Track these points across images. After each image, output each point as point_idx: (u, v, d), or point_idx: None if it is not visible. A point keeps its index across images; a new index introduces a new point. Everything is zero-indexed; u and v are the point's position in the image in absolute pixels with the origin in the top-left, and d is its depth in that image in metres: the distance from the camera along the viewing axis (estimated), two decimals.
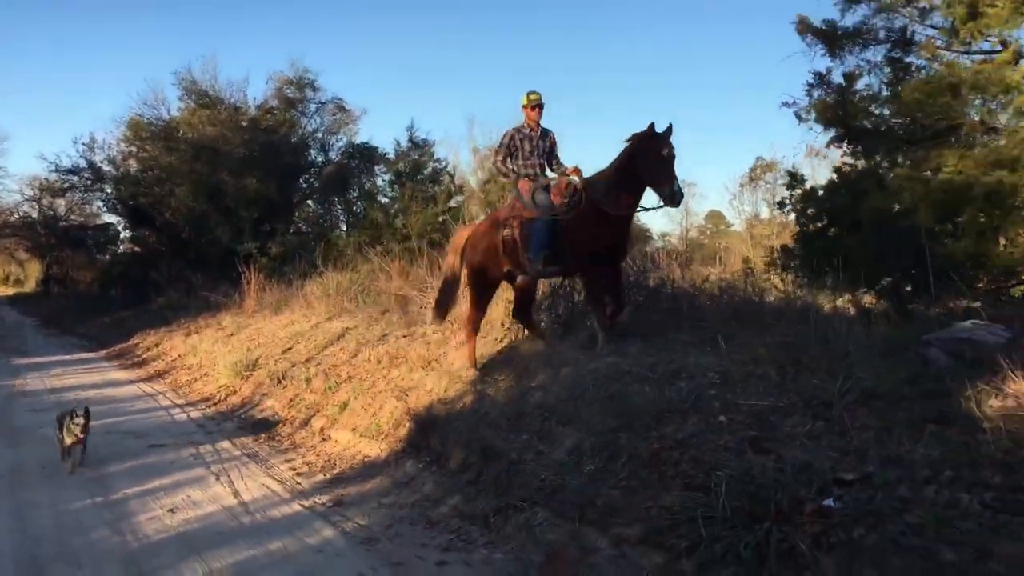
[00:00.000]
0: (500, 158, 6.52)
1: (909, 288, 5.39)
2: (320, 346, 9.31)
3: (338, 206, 18.89)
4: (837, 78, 6.60)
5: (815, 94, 6.19)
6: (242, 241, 17.97)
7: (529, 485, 4.45)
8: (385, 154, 18.01)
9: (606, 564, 3.57)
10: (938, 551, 2.74)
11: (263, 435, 7.08)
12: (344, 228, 17.88)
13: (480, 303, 6.70)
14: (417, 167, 17.00)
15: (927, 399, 3.59)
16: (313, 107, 20.05)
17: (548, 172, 6.49)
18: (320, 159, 19.80)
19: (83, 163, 21.59)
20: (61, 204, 27.94)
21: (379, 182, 18.24)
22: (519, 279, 6.52)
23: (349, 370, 7.81)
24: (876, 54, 6.36)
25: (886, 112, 6.07)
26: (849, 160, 6.43)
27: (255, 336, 11.31)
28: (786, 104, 6.40)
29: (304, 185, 19.99)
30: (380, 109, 43.43)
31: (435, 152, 17.15)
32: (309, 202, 20.16)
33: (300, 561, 4.05)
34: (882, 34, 6.29)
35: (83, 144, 21.59)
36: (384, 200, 17.24)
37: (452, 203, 16.85)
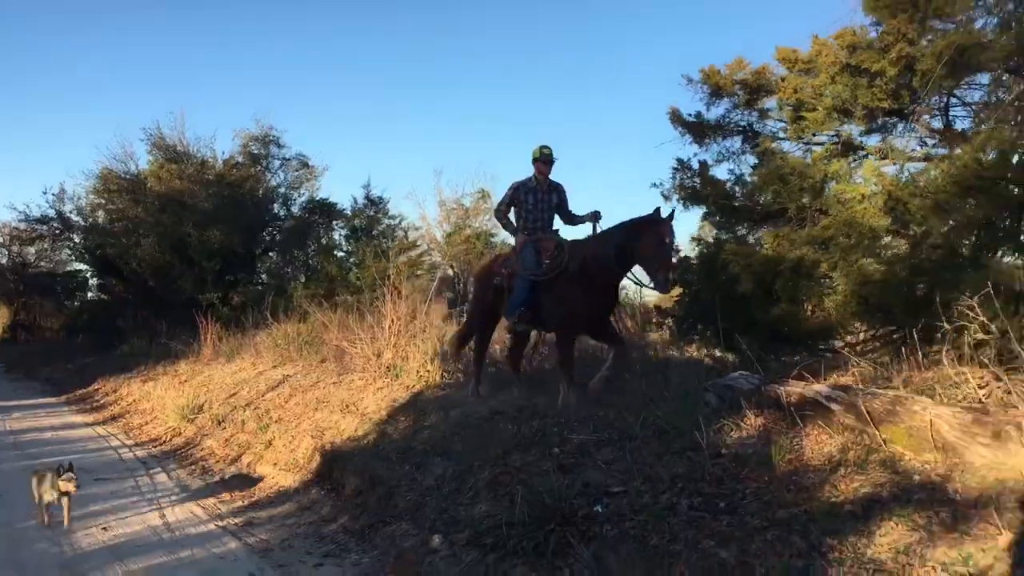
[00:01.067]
0: (503, 210, 6.80)
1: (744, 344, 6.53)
2: (261, 392, 10.30)
3: (298, 259, 19.95)
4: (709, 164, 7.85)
5: (678, 177, 7.42)
6: (205, 291, 18.89)
7: (400, 505, 5.49)
8: (343, 210, 19.16)
9: (441, 562, 4.61)
10: (649, 538, 3.82)
11: (197, 470, 8.05)
12: (302, 280, 18.90)
13: (479, 341, 7.21)
14: (372, 223, 18.16)
15: (693, 431, 4.70)
16: (277, 163, 21.22)
17: (557, 225, 6.81)
18: (283, 213, 20.89)
19: (52, 213, 22.59)
20: (31, 251, 28.80)
21: (336, 237, 19.34)
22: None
23: (280, 413, 8.83)
24: (734, 144, 7.62)
25: (738, 194, 7.30)
26: (711, 235, 7.64)
27: (206, 383, 12.27)
28: (654, 185, 7.63)
29: (267, 238, 21.04)
30: (344, 162, 44.77)
31: (389, 209, 18.31)
32: (271, 254, 21.18)
33: (204, 565, 5.06)
34: (737, 127, 7.55)
35: (53, 194, 22.62)
36: (340, 254, 18.33)
37: (403, 258, 17.94)
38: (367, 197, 18.33)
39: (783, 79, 6.81)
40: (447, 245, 29.09)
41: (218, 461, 8.30)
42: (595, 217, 6.55)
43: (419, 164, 48.51)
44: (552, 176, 6.87)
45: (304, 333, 12.99)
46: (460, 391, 7.44)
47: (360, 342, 9.48)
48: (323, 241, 19.13)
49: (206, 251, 19.38)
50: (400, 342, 9.16)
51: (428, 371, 8.25)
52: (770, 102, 7.24)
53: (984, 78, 6.25)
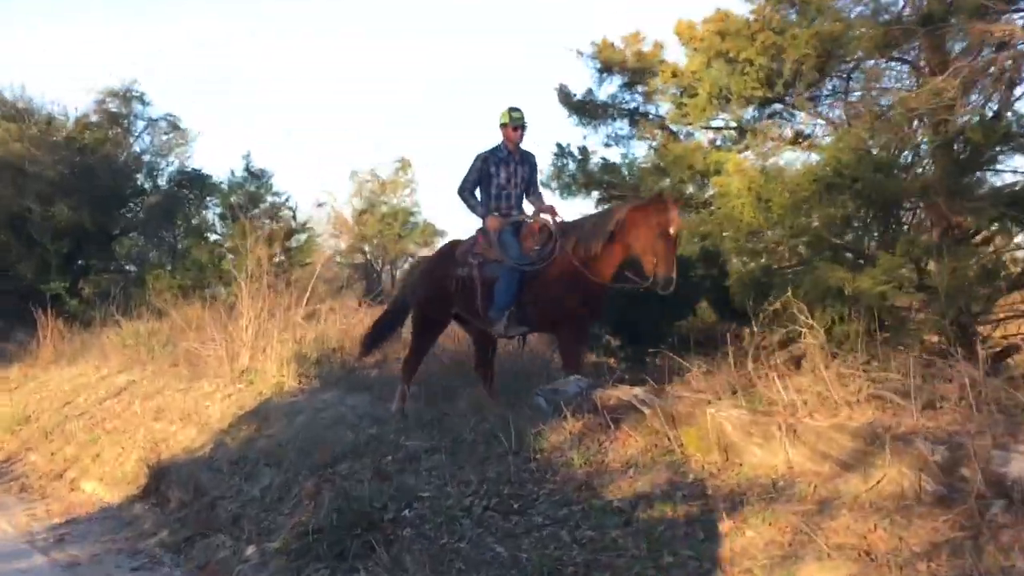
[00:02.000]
0: (468, 187, 6.94)
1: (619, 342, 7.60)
2: (100, 399, 11.12)
3: (164, 242, 20.58)
4: (594, 147, 8.91)
5: (559, 163, 8.45)
6: (48, 279, 19.31)
7: (221, 517, 6.44)
8: (221, 183, 19.83)
9: (250, 569, 5.57)
10: (441, 538, 4.84)
11: (14, 486, 8.89)
12: (169, 268, 19.51)
13: (418, 346, 7.47)
14: (254, 200, 18.92)
15: (517, 437, 5.72)
16: (142, 124, 21.80)
17: (526, 205, 7.07)
18: (147, 186, 21.47)
19: None
20: None
21: (210, 216, 20.03)
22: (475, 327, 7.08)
23: (116, 423, 9.68)
24: (624, 127, 8.68)
25: (621, 180, 8.36)
26: None
27: (39, 389, 13.01)
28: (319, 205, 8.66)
29: (128, 215, 21.59)
30: (228, 131, 45.33)
31: (273, 184, 19.05)
32: (133, 235, 21.75)
33: None
34: (624, 109, 8.61)
35: None
36: (214, 237, 19.05)
37: (292, 242, 18.73)
38: (247, 170, 19.04)
39: (661, 62, 7.85)
40: (358, 226, 29.89)
41: (40, 477, 9.13)
42: (552, 212, 6.90)
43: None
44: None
45: (159, 332, 13.79)
46: (312, 396, 8.39)
47: (213, 343, 10.35)
48: (193, 221, 19.80)
49: (51, 230, 19.79)
50: (259, 343, 10.07)
51: (284, 376, 9.17)
52: (664, 84, 8.28)
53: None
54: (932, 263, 6.23)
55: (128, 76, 22.34)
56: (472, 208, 7.02)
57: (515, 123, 6.86)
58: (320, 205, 26.67)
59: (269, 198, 19.28)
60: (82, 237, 20.46)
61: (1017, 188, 6.16)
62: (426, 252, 29.65)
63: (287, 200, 19.33)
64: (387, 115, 50.39)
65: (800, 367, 5.51)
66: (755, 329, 5.54)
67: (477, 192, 6.99)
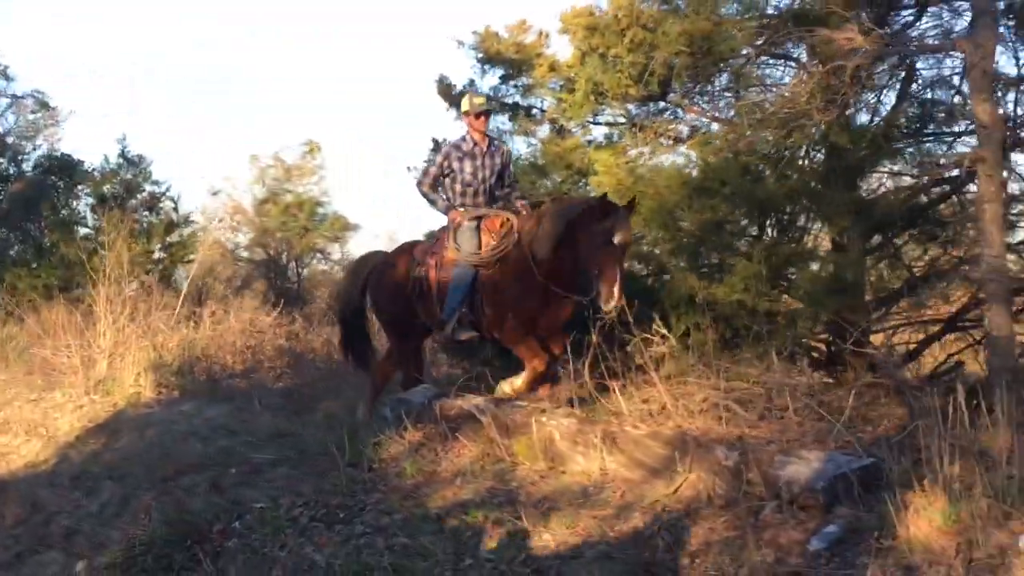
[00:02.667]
0: (428, 182, 7.21)
1: None
2: None
3: (29, 235, 20.86)
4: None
5: (433, 159, 9.15)
6: None
7: (55, 533, 7.07)
8: (93, 170, 20.18)
9: None
10: (264, 547, 5.54)
11: None
12: (34, 266, 19.81)
13: (394, 353, 7.79)
14: (130, 190, 19.36)
15: (360, 448, 6.43)
16: (5, 102, 22.08)
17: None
18: (11, 171, 21.74)
19: None
20: None
21: (81, 207, 20.38)
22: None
23: None
24: (504, 123, 9.43)
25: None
26: None
27: None
28: (408, 168, 9.38)
29: None
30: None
31: (152, 172, 19.47)
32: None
33: None
34: (508, 103, 9.36)
35: None
36: (85, 231, 19.44)
37: (175, 237, 19.22)
38: (123, 155, 19.45)
39: (539, 55, 8.62)
40: (259, 217, 30.19)
41: None
42: (525, 207, 7.05)
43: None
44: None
45: (16, 338, 14.27)
46: (169, 408, 9.03)
47: (68, 350, 10.91)
48: (62, 212, 20.14)
49: None
50: (117, 351, 10.67)
51: (141, 386, 9.79)
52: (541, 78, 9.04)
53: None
54: (796, 271, 7.03)
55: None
56: (432, 203, 7.25)
57: (477, 110, 7.05)
58: (215, 193, 26.92)
59: (148, 187, 19.65)
60: None
61: (869, 196, 7.00)
62: (337, 248, 30.14)
63: (168, 190, 19.73)
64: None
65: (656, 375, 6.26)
66: (608, 336, 6.28)
67: (438, 188, 7.26)
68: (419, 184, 7.25)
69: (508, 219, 6.86)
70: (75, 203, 21.01)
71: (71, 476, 7.94)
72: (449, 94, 9.42)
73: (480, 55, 9.24)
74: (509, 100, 9.34)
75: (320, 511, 5.79)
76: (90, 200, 20.24)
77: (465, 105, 7.20)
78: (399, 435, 6.40)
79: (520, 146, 9.19)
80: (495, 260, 6.70)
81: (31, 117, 22.50)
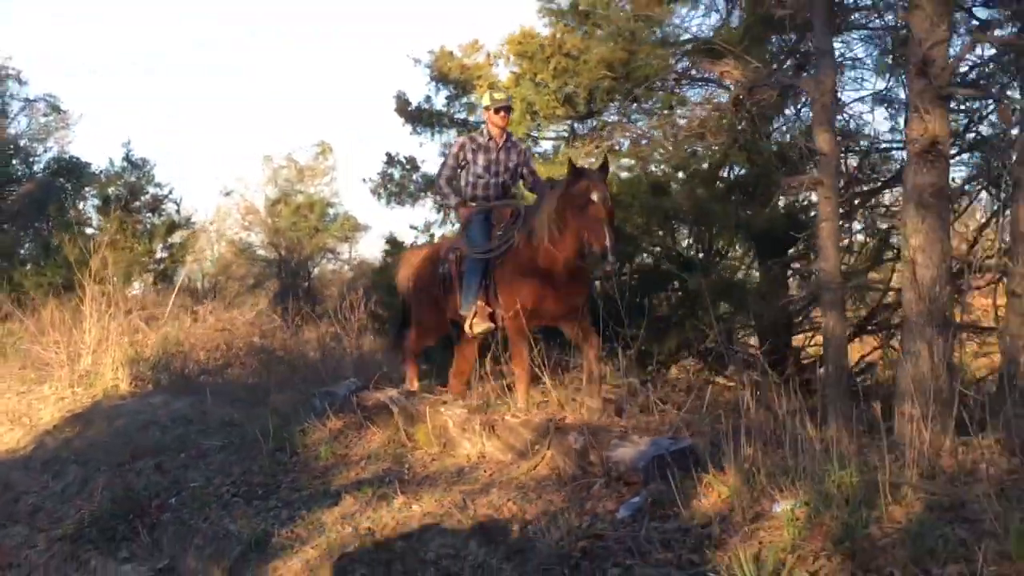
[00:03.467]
0: (445, 174, 7.39)
1: None
2: None
3: (39, 234, 21.94)
4: (429, 155, 10.52)
5: (387, 171, 10.04)
6: None
7: (23, 510, 7.97)
8: (100, 172, 21.23)
9: (35, 554, 7.10)
10: (191, 519, 6.42)
11: None
12: (42, 264, 20.86)
13: (418, 334, 7.97)
14: (134, 192, 20.36)
15: (290, 435, 7.30)
16: (18, 105, 23.18)
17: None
18: (23, 173, 22.85)
19: None
20: None
21: (88, 208, 21.43)
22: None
23: None
24: (453, 138, 10.26)
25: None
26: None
27: None
28: (364, 180, 10.24)
29: (1, 205, 22.96)
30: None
31: (155, 175, 20.48)
32: (5, 227, 23.08)
33: None
34: (454, 119, 10.22)
35: None
36: (90, 231, 20.46)
37: (176, 238, 20.19)
38: (127, 159, 20.44)
39: (479, 77, 9.46)
40: (271, 217, 31.08)
41: None
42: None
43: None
44: None
45: (16, 333, 15.26)
46: (141, 400, 9.94)
47: (56, 346, 11.85)
48: (69, 214, 21.18)
49: None
50: (101, 347, 11.60)
51: (119, 379, 10.71)
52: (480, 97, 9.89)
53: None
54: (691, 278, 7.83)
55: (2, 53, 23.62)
56: (445, 197, 7.52)
57: (496, 105, 7.19)
58: (227, 194, 27.90)
59: (151, 189, 20.63)
60: None
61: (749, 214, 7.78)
62: (345, 248, 31.10)
63: (170, 192, 20.72)
64: None
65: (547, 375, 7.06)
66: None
67: (453, 181, 7.43)
68: (437, 177, 7.54)
69: (515, 209, 7.05)
70: (82, 204, 22.05)
71: (43, 460, 8.85)
72: (406, 111, 10.25)
73: (433, 73, 10.05)
74: (458, 117, 10.14)
75: (243, 489, 6.67)
76: (96, 202, 21.24)
77: (485, 100, 7.34)
78: (322, 423, 7.25)
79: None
80: (503, 247, 6.84)
81: (43, 120, 23.61)
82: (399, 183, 9.80)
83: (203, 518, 6.40)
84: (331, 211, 29.97)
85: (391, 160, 9.96)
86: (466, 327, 7.02)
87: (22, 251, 22.60)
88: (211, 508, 6.50)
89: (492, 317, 6.97)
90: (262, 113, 55.51)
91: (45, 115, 23.58)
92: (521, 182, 7.63)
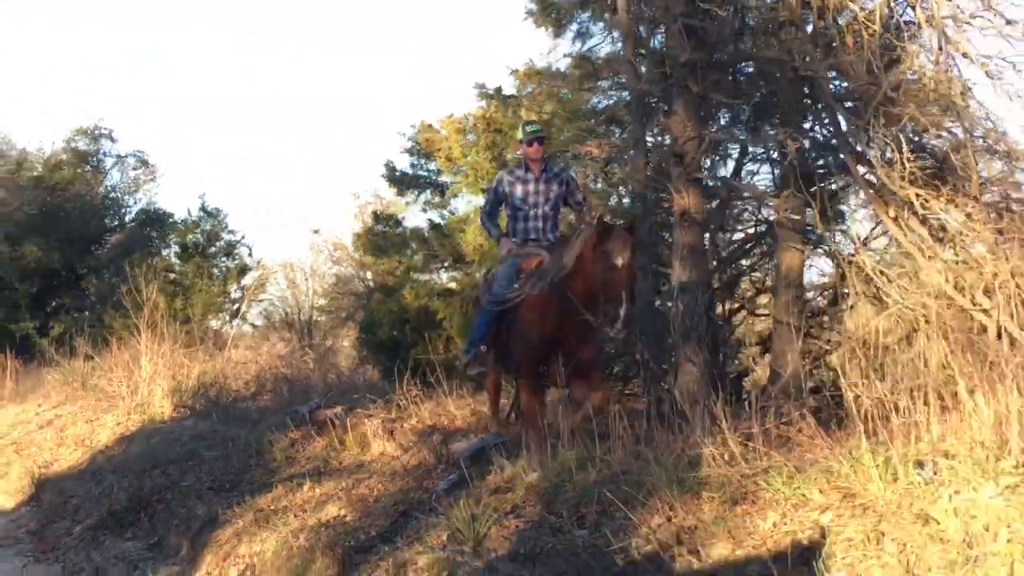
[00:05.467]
0: (487, 209, 7.66)
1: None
2: (29, 431, 15.39)
3: (128, 281, 24.92)
4: (413, 213, 12.83)
5: (376, 228, 12.39)
6: (18, 319, 23.85)
7: (70, 509, 10.50)
8: (180, 221, 24.15)
9: (70, 539, 9.57)
10: (174, 506, 8.80)
11: None
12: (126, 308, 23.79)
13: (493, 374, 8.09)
14: (211, 239, 23.21)
15: (267, 444, 9.64)
16: (110, 162, 26.35)
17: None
18: (115, 224, 25.98)
19: None
20: None
21: (170, 255, 24.35)
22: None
23: (29, 450, 13.89)
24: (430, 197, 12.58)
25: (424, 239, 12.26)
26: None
27: None
28: (358, 235, 12.59)
29: (98, 254, 26.11)
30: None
31: (227, 222, 23.27)
32: (103, 274, 26.20)
33: None
34: (431, 181, 12.53)
35: None
36: (172, 275, 23.36)
37: (248, 280, 22.94)
38: (203, 208, 23.30)
39: (438, 150, 11.75)
40: (357, 251, 33.78)
41: None
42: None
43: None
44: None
45: (98, 369, 18.06)
46: (177, 423, 12.43)
47: (119, 380, 14.52)
48: (153, 260, 24.14)
49: (19, 270, 24.31)
50: (153, 380, 14.20)
51: (163, 407, 13.27)
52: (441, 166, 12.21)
53: None
54: None
55: (96, 114, 26.68)
56: (488, 232, 7.76)
57: (529, 137, 7.39)
58: (316, 232, 30.65)
59: (224, 235, 23.44)
60: (51, 277, 24.94)
61: None
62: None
63: (242, 238, 23.49)
64: None
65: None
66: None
67: (493, 216, 7.72)
68: (482, 212, 7.79)
69: (541, 260, 7.06)
70: (167, 251, 25.02)
71: (91, 472, 11.39)
72: (392, 176, 12.61)
73: (411, 144, 12.41)
74: (428, 180, 12.47)
75: (217, 484, 9.03)
76: (176, 249, 24.14)
77: (519, 134, 7.62)
78: (284, 434, 9.59)
79: (434, 216, 12.29)
80: (515, 299, 6.95)
81: (132, 174, 26.74)
82: (383, 235, 12.07)
83: (183, 506, 8.77)
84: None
85: (377, 219, 12.28)
86: (458, 365, 7.68)
87: (114, 297, 25.65)
88: (191, 499, 8.85)
89: (500, 359, 7.46)
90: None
91: (135, 168, 26.67)
92: (571, 211, 7.90)
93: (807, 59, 7.23)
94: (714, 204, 9.77)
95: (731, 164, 10.39)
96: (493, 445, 7.33)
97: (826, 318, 6.89)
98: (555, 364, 6.80)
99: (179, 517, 8.56)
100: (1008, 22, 6.61)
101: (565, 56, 10.23)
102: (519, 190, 7.48)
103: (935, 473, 4.79)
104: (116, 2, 59.38)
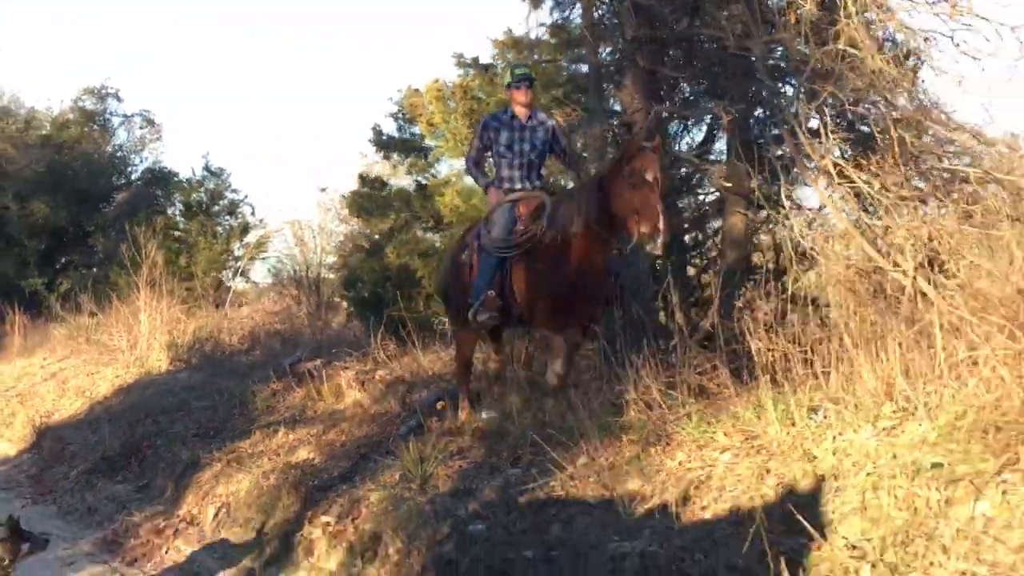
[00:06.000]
0: (472, 155, 7.50)
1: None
2: (34, 383, 16.09)
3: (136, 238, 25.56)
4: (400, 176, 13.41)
5: (361, 190, 12.95)
6: (27, 275, 24.52)
7: (67, 455, 11.16)
8: (183, 181, 24.73)
9: (66, 481, 10.23)
10: (161, 451, 9.46)
11: None
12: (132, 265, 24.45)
13: (462, 338, 7.91)
14: (215, 197, 23.80)
15: (250, 395, 10.28)
16: (117, 121, 26.93)
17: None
18: (121, 182, 26.60)
19: None
20: None
21: (175, 213, 24.94)
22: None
23: (33, 400, 14.59)
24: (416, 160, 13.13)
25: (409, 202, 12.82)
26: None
27: None
28: (343, 196, 13.17)
29: (105, 212, 26.74)
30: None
31: (231, 182, 23.83)
32: (110, 232, 26.85)
33: None
34: (417, 145, 13.07)
35: None
36: (177, 233, 23.97)
37: (250, 238, 23.54)
38: (206, 167, 23.86)
39: (420, 115, 12.26)
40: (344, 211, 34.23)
41: None
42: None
43: None
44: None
45: (102, 324, 18.74)
46: (171, 376, 13.09)
47: (117, 335, 15.19)
48: (157, 219, 24.75)
49: (28, 228, 24.97)
50: (152, 335, 14.87)
51: (160, 360, 13.93)
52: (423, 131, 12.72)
53: None
54: None
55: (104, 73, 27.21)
56: (476, 180, 7.71)
57: (517, 79, 7.27)
58: (323, 190, 31.09)
59: (228, 195, 24.03)
60: (59, 234, 25.59)
61: None
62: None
63: (245, 197, 24.06)
64: None
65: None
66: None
67: (481, 163, 7.62)
68: (466, 159, 7.68)
69: (541, 202, 6.99)
70: (171, 209, 25.62)
71: (89, 421, 12.06)
72: (380, 140, 13.15)
73: (396, 109, 12.95)
74: (413, 144, 13.00)
75: (202, 431, 9.68)
76: (180, 207, 24.72)
77: (506, 77, 7.49)
78: (267, 386, 10.22)
79: (419, 179, 12.85)
80: (525, 244, 6.83)
81: (138, 133, 27.32)
82: (368, 197, 12.64)
83: (170, 452, 9.42)
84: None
85: (364, 181, 12.85)
86: (470, 314, 7.10)
87: (119, 254, 26.29)
88: (177, 445, 9.50)
89: (503, 311, 7.04)
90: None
91: (141, 127, 27.24)
92: (554, 158, 7.75)
93: (746, 36, 7.72)
94: (681, 171, 10.29)
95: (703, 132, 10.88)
96: (452, 394, 7.90)
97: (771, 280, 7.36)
98: (571, 312, 6.72)
99: (165, 461, 9.20)
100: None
101: (541, 25, 10.60)
102: (504, 136, 7.34)
103: (825, 418, 5.35)
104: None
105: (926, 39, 7.32)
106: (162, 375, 13.27)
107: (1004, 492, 4.11)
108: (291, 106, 57.23)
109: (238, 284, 23.32)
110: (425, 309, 11.65)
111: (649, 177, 6.04)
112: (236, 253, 23.88)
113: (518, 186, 7.35)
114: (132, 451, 9.85)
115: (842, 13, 7.16)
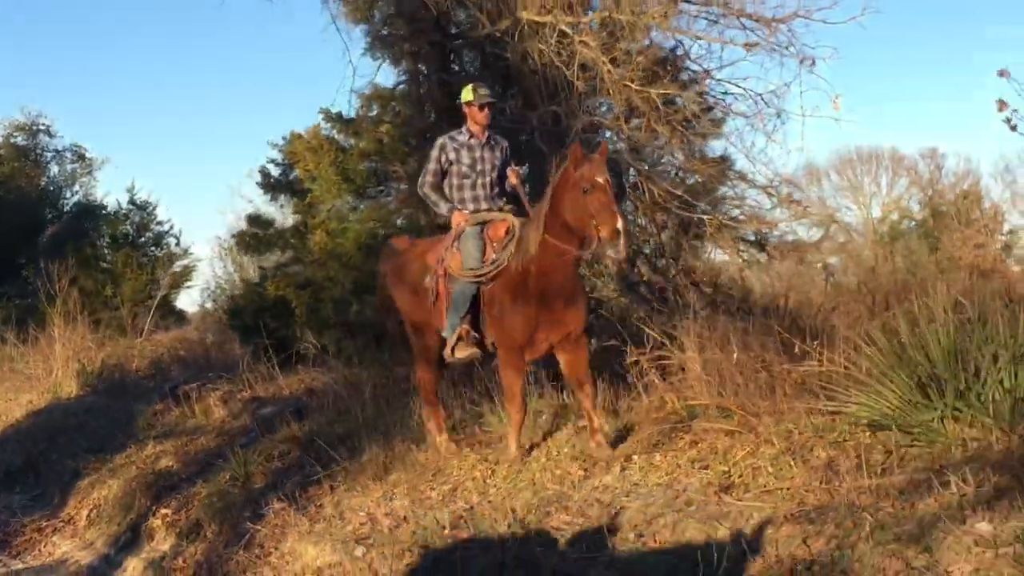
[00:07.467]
0: (428, 180, 7.32)
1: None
2: None
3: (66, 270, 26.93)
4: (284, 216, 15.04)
5: (250, 230, 14.58)
6: None
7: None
8: (115, 212, 26.11)
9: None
10: (57, 465, 11.03)
11: None
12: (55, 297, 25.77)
13: (421, 357, 7.69)
14: (140, 229, 25.28)
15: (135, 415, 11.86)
16: (49, 155, 28.30)
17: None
18: (52, 216, 27.95)
19: None
20: None
21: (102, 245, 26.32)
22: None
23: None
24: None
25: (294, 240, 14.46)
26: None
27: None
28: (233, 236, 14.80)
29: (36, 246, 28.07)
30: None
31: (157, 214, 25.28)
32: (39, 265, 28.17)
33: None
34: (296, 187, 14.71)
35: None
36: (104, 265, 25.40)
37: (176, 267, 25.02)
38: (131, 200, 25.28)
39: (298, 161, 13.89)
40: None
41: None
42: (519, 177, 7.33)
43: None
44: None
45: (25, 355, 20.17)
46: (77, 400, 14.60)
47: (34, 363, 16.68)
48: (87, 251, 26.14)
49: None
50: (66, 363, 16.37)
51: (71, 387, 15.45)
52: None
53: None
54: None
55: (34, 109, 28.23)
56: (435, 205, 7.38)
57: (481, 100, 7.13)
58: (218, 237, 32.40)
59: (154, 227, 25.51)
60: None
61: None
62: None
63: (171, 228, 25.53)
64: None
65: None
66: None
67: (438, 187, 7.39)
68: (420, 186, 7.42)
69: (510, 225, 6.91)
70: (99, 242, 26.96)
71: (1, 440, 13.56)
72: (267, 182, 14.78)
73: (277, 155, 14.60)
74: (293, 187, 14.63)
75: (92, 446, 11.24)
76: (107, 239, 26.06)
77: (468, 95, 7.23)
78: (151, 406, 11.82)
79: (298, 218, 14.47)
80: (495, 270, 6.76)
81: (69, 168, 28.68)
82: (255, 236, 14.25)
83: (60, 464, 10.97)
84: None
85: (252, 220, 14.47)
86: (447, 352, 7.07)
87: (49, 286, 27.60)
88: (69, 459, 11.04)
89: (479, 343, 7.00)
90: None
91: (72, 163, 28.60)
92: (509, 179, 7.52)
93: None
94: None
95: None
96: (290, 411, 9.54)
97: None
98: (543, 338, 6.77)
99: (56, 472, 10.74)
100: None
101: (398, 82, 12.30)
102: (466, 156, 7.28)
103: None
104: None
105: None
106: (70, 399, 14.71)
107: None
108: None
109: (157, 313, 24.71)
110: (301, 337, 13.28)
111: (600, 180, 6.11)
112: (161, 282, 25.32)
113: (484, 206, 7.31)
114: (30, 465, 11.33)
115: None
